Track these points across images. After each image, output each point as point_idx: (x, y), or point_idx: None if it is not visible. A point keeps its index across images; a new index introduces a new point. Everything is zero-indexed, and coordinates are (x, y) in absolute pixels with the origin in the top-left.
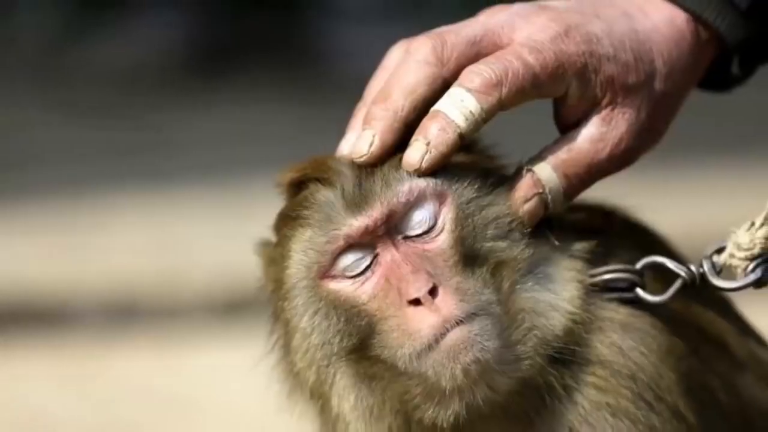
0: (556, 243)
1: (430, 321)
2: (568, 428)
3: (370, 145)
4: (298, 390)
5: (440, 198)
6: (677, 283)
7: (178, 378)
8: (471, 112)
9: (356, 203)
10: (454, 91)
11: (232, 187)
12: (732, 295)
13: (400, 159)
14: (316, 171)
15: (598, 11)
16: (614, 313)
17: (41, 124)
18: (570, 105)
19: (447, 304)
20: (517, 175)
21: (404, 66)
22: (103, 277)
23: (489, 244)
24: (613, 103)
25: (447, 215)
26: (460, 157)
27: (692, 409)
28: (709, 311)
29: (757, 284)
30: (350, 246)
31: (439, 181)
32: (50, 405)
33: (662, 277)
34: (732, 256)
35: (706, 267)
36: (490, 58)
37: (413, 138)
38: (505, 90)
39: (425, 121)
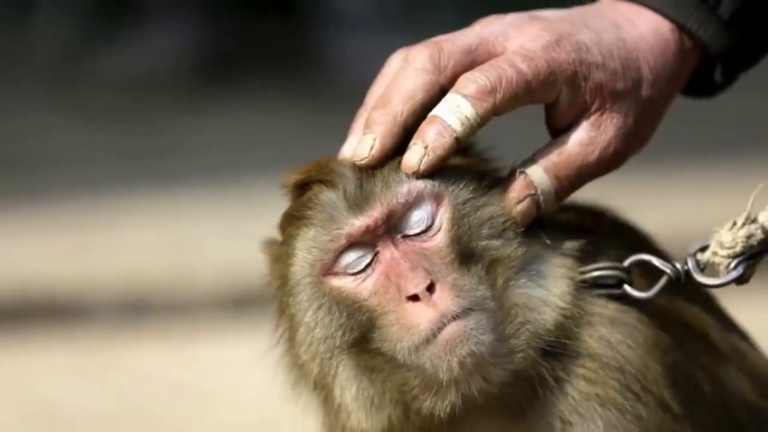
0: (548, 242)
1: (427, 316)
2: (559, 418)
3: (371, 149)
4: (302, 381)
5: (437, 199)
6: (663, 280)
7: (188, 369)
8: (467, 117)
9: (358, 204)
10: (450, 97)
11: (238, 188)
12: (715, 292)
13: (400, 162)
14: (320, 173)
15: (587, 21)
16: (603, 308)
17: (56, 128)
18: (561, 110)
19: (444, 299)
20: (510, 177)
21: (403, 73)
22: (117, 275)
23: (484, 243)
24: (601, 109)
25: (444, 215)
26: (456, 160)
27: (677, 400)
28: (693, 307)
29: (739, 281)
30: (352, 244)
31: (436, 183)
32: (66, 395)
33: (649, 274)
34: (715, 254)
35: (690, 264)
36: (484, 66)
37: (412, 142)
38: (499, 96)
39: (423, 126)
